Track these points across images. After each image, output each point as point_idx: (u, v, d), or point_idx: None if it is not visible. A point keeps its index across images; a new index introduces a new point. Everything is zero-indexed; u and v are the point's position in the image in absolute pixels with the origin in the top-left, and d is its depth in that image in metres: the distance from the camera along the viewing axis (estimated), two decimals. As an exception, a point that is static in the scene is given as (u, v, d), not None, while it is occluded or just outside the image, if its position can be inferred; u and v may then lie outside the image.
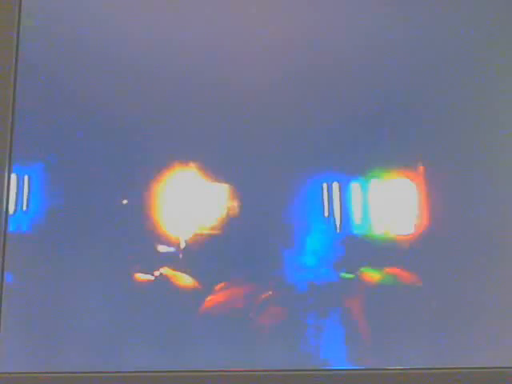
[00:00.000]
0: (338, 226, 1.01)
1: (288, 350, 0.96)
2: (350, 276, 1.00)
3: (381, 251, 1.01)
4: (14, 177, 0.97)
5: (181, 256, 0.98)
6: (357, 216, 1.02)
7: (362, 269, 1.00)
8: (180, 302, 0.96)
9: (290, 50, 1.06)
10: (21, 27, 1.02)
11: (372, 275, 1.00)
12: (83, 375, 0.91)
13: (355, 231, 1.01)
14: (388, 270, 1.01)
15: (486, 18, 1.12)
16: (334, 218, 1.01)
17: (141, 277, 0.96)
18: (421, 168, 1.05)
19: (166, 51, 1.04)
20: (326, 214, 1.01)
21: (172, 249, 0.98)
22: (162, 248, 0.97)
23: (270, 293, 0.98)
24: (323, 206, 1.01)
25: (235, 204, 1.00)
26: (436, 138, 1.06)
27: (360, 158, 1.04)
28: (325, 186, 1.02)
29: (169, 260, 0.97)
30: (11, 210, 0.96)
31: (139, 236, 0.97)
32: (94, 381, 0.91)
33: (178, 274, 0.97)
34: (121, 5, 1.05)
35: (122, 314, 0.95)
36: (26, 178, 0.97)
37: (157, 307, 0.95)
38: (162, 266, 0.97)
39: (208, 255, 0.98)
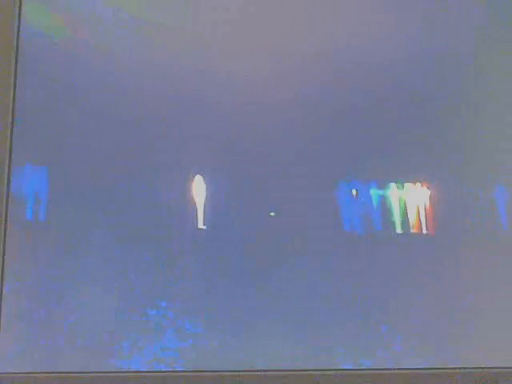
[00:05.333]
0: (340, 226, 1.01)
1: (288, 350, 0.96)
2: (355, 277, 1.00)
3: (382, 251, 1.01)
4: (14, 177, 0.97)
5: (181, 255, 0.98)
6: (363, 218, 1.02)
7: (366, 268, 1.00)
8: (179, 301, 0.96)
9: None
10: (21, 27, 1.02)
11: (373, 274, 1.00)
12: (83, 375, 0.91)
13: (358, 232, 1.02)
14: (389, 269, 1.01)
15: (486, 18, 1.12)
16: (339, 219, 1.01)
17: (141, 277, 0.96)
18: (427, 174, 1.05)
19: (169, 52, 1.04)
20: (329, 214, 1.01)
21: (172, 249, 0.98)
22: (162, 247, 0.97)
23: (271, 292, 0.98)
24: (326, 206, 1.02)
25: (237, 203, 1.00)
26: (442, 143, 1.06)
27: (368, 162, 1.04)
28: (328, 187, 1.02)
29: (169, 260, 0.97)
30: (11, 209, 0.96)
31: (139, 236, 0.98)
32: (94, 381, 0.91)
33: (178, 273, 0.97)
34: (122, 4, 1.05)
35: (121, 314, 0.95)
36: (26, 177, 0.97)
37: (157, 307, 0.95)
38: (161, 266, 0.97)
39: (209, 254, 0.98)
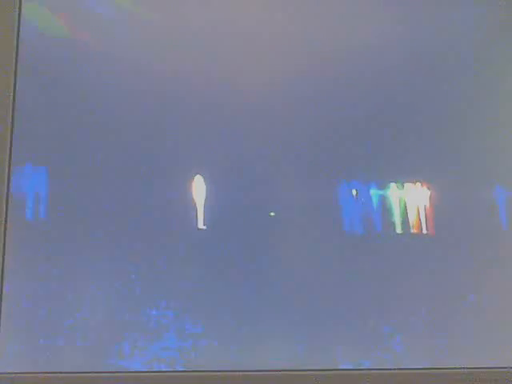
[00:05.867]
0: (340, 226, 1.01)
1: (288, 350, 0.96)
2: (355, 275, 1.00)
3: (382, 251, 1.01)
4: (14, 177, 0.97)
5: (181, 255, 0.98)
6: (363, 218, 1.02)
7: (366, 268, 1.00)
8: (179, 301, 0.96)
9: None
10: (21, 27, 1.02)
11: (373, 274, 1.00)
12: (83, 375, 0.91)
13: (358, 232, 1.02)
14: (389, 269, 1.01)
15: (486, 18, 1.13)
16: (339, 219, 1.02)
17: (141, 277, 0.96)
18: (427, 175, 1.05)
19: (169, 52, 1.04)
20: (329, 214, 1.01)
21: (173, 249, 0.98)
22: (162, 247, 0.97)
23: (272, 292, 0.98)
24: (326, 206, 1.02)
25: (237, 203, 1.00)
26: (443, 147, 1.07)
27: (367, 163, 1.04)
28: (328, 187, 1.02)
29: (169, 260, 0.97)
30: (11, 209, 0.96)
31: (139, 236, 0.97)
32: (94, 381, 0.90)
33: (178, 273, 0.97)
34: (122, 5, 1.05)
35: (121, 314, 0.95)
36: (26, 177, 0.97)
37: (157, 307, 0.95)
38: (161, 266, 0.97)
39: (209, 254, 0.98)
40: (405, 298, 1.00)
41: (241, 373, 0.93)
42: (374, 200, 1.03)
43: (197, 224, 0.99)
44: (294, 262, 0.99)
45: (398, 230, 1.02)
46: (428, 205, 1.04)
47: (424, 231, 1.03)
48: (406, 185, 1.04)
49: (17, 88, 0.99)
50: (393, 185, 1.04)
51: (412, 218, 1.03)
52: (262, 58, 1.06)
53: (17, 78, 1.00)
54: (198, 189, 1.00)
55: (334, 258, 1.00)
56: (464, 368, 0.97)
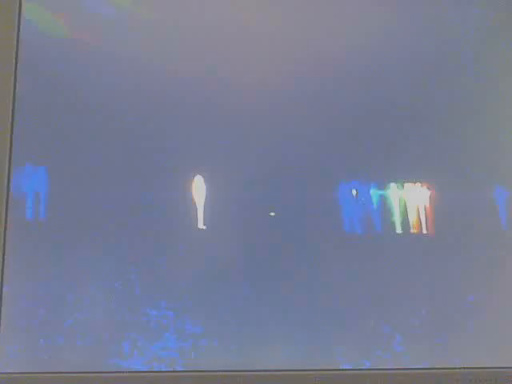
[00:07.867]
0: (340, 226, 1.01)
1: (288, 350, 0.96)
2: (355, 275, 1.00)
3: (382, 251, 1.01)
4: (14, 177, 0.97)
5: (181, 255, 0.98)
6: (363, 218, 1.02)
7: (366, 268, 1.00)
8: (179, 301, 0.96)
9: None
10: (21, 27, 1.02)
11: (373, 274, 1.00)
12: (83, 375, 0.91)
13: (358, 232, 1.02)
14: (389, 269, 1.01)
15: (486, 18, 1.13)
16: (339, 219, 1.01)
17: (141, 277, 0.96)
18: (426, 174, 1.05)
19: (170, 52, 1.04)
20: (329, 214, 1.01)
21: (172, 249, 0.98)
22: (162, 247, 0.97)
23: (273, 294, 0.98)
24: (326, 206, 1.02)
25: (237, 203, 1.00)
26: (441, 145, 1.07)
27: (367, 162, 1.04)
28: (328, 187, 1.02)
29: (169, 260, 0.97)
30: (11, 209, 0.95)
31: (139, 236, 0.97)
32: (94, 381, 0.90)
33: (178, 273, 0.97)
34: (122, 4, 1.05)
35: (121, 314, 0.95)
36: (26, 177, 0.97)
37: (157, 307, 0.95)
38: (161, 266, 0.97)
39: (209, 254, 0.98)
40: (405, 298, 1.00)
41: (241, 373, 0.93)
42: (374, 200, 1.03)
43: (197, 224, 0.99)
44: (293, 262, 0.99)
45: (398, 230, 1.02)
46: (428, 205, 1.04)
47: (424, 231, 1.03)
48: (405, 185, 1.04)
49: (17, 88, 0.99)
50: (393, 185, 1.04)
51: (412, 218, 1.03)
52: (262, 57, 1.06)
53: (17, 78, 1.00)
54: (198, 189, 1.00)
55: (334, 257, 1.00)
56: (464, 368, 0.97)
